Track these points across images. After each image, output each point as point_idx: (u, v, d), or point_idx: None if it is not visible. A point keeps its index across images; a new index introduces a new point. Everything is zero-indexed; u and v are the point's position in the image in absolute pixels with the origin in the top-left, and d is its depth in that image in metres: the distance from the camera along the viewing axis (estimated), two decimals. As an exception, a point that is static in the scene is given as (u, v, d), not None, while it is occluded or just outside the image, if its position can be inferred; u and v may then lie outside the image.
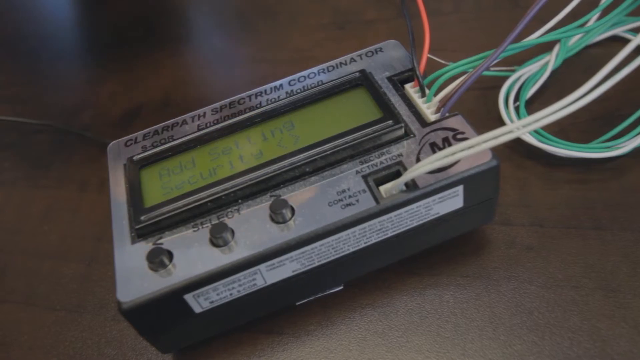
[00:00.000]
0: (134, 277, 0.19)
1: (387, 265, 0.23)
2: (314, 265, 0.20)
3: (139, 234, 0.21)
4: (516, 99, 0.28)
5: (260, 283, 0.20)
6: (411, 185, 0.20)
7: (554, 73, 0.29)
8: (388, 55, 0.25)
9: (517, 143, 0.27)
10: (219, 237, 0.19)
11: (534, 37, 0.25)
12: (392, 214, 0.20)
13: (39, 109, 0.37)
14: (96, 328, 0.24)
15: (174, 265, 0.19)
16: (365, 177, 0.20)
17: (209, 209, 0.21)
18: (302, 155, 0.21)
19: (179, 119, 0.25)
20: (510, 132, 0.16)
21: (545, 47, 0.29)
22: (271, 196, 0.21)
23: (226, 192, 0.21)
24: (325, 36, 0.37)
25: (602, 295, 0.21)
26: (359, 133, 0.21)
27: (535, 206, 0.24)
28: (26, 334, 0.25)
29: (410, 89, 0.23)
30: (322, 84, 0.24)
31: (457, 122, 0.21)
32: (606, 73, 0.16)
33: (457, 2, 0.36)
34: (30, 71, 0.41)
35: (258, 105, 0.24)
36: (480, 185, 0.20)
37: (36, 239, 0.29)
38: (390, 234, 0.20)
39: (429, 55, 0.23)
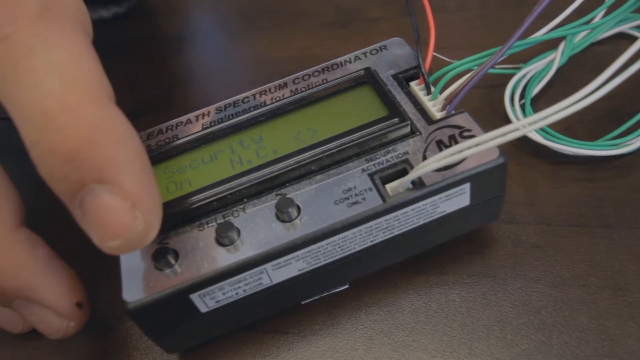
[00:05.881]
0: (140, 276, 0.19)
1: (393, 264, 0.22)
2: (320, 264, 0.20)
3: (144, 234, 0.21)
4: (522, 96, 0.28)
5: (266, 282, 0.20)
6: (418, 184, 0.19)
7: (559, 70, 0.29)
8: (393, 53, 0.25)
9: (523, 141, 0.27)
10: (225, 236, 0.19)
11: (539, 34, 0.24)
12: (399, 213, 0.20)
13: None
14: (100, 328, 0.24)
15: (179, 265, 0.19)
16: (371, 176, 0.20)
17: (214, 208, 0.21)
18: (307, 154, 0.21)
19: (183, 118, 0.25)
20: (516, 129, 0.16)
21: (550, 45, 0.29)
22: (277, 195, 0.21)
23: (231, 191, 0.21)
24: (329, 34, 0.37)
25: (610, 293, 0.21)
26: (365, 131, 0.21)
27: (542, 204, 0.24)
28: (30, 334, 0.24)
29: (416, 86, 0.23)
30: (327, 82, 0.24)
31: (463, 119, 0.21)
32: (613, 71, 0.16)
33: (461, -1, 0.36)
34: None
35: (262, 104, 0.24)
36: (487, 183, 0.20)
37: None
38: (396, 232, 0.20)
39: (434, 53, 0.23)
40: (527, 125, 0.16)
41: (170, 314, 0.20)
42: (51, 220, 0.30)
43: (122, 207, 0.16)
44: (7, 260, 0.20)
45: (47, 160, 0.16)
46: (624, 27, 0.30)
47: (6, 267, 0.20)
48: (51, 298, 0.21)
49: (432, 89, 0.22)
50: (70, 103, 0.16)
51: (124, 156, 0.16)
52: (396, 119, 0.21)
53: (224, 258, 0.19)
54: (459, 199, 0.20)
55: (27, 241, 0.21)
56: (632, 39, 0.30)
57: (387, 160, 0.21)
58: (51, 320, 0.21)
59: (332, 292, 0.23)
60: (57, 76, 0.16)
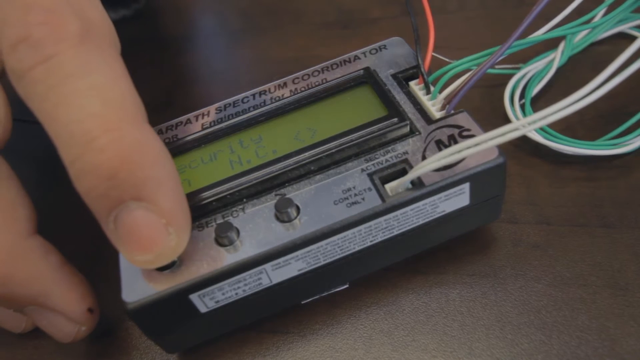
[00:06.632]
0: (139, 277, 0.19)
1: (393, 264, 0.22)
2: (319, 264, 0.20)
3: (144, 234, 0.21)
4: (522, 96, 0.28)
5: (265, 282, 0.20)
6: (417, 183, 0.19)
7: (559, 70, 0.29)
8: (392, 53, 0.25)
9: (523, 141, 0.27)
10: (225, 237, 0.19)
11: (539, 34, 0.24)
12: (398, 212, 0.20)
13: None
14: (100, 328, 0.24)
15: (179, 265, 0.19)
16: (370, 175, 0.20)
17: (213, 208, 0.21)
18: (307, 154, 0.21)
19: (183, 118, 0.25)
20: (516, 129, 0.16)
21: (550, 45, 0.29)
22: (276, 195, 0.21)
23: (231, 191, 0.21)
24: (329, 34, 0.37)
25: (611, 293, 0.21)
26: (364, 131, 0.21)
27: (542, 204, 0.24)
28: (30, 334, 0.24)
29: (415, 86, 0.23)
30: (326, 82, 0.24)
31: (462, 119, 0.21)
32: (613, 70, 0.16)
33: (461, -1, 0.36)
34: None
35: (262, 104, 0.24)
36: (486, 182, 0.20)
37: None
38: (396, 232, 0.20)
39: (433, 53, 0.23)
40: (526, 124, 0.16)
41: (169, 314, 0.20)
42: (50, 221, 0.30)
43: (157, 223, 0.17)
44: (21, 268, 0.20)
45: (86, 178, 0.17)
46: (624, 27, 0.30)
47: (21, 275, 0.20)
48: (64, 304, 0.21)
49: (432, 88, 0.22)
50: (110, 124, 0.17)
51: (160, 175, 0.17)
52: (395, 119, 0.21)
53: (224, 258, 0.19)
54: (459, 198, 0.20)
55: (41, 248, 0.21)
56: (632, 39, 0.30)
57: (387, 160, 0.21)
58: (63, 326, 0.22)
59: (332, 291, 0.23)
60: (99, 98, 0.17)
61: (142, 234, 0.17)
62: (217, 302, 0.20)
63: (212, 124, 0.24)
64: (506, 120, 0.27)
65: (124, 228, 0.17)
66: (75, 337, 0.22)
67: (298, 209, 0.20)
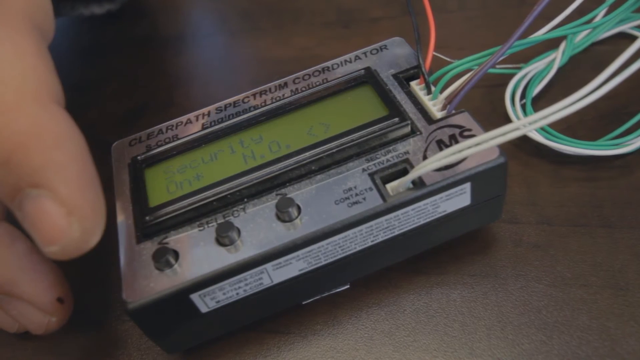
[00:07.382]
0: (140, 277, 0.19)
1: (394, 264, 0.22)
2: (320, 264, 0.20)
3: (144, 234, 0.21)
4: (522, 96, 0.28)
5: (266, 282, 0.20)
6: (418, 183, 0.19)
7: (560, 70, 0.29)
8: (393, 53, 0.25)
9: (524, 141, 0.27)
10: (225, 236, 0.19)
11: (540, 34, 0.24)
12: (399, 212, 0.20)
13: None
14: (101, 328, 0.24)
15: (179, 265, 0.19)
16: (371, 175, 0.20)
17: (214, 208, 0.21)
18: (307, 154, 0.21)
19: (183, 118, 0.25)
20: (516, 129, 0.16)
21: (551, 45, 0.29)
22: (277, 195, 0.21)
23: (232, 190, 0.21)
24: (330, 34, 0.37)
25: (611, 293, 0.21)
26: (365, 131, 0.21)
27: (543, 204, 0.24)
28: (30, 334, 0.24)
29: (416, 86, 0.23)
30: (327, 82, 0.24)
31: (463, 119, 0.21)
32: (614, 70, 0.16)
33: (462, -1, 0.36)
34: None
35: (263, 104, 0.24)
36: (487, 182, 0.20)
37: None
38: (397, 232, 0.20)
39: (434, 53, 0.23)
40: (527, 124, 0.16)
41: (170, 314, 0.20)
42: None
43: (57, 212, 0.16)
44: None
45: None
46: (625, 27, 0.30)
47: None
48: (31, 293, 0.20)
49: (433, 88, 0.22)
50: (6, 104, 0.16)
51: (61, 160, 0.16)
52: (396, 119, 0.21)
53: (224, 258, 0.19)
54: (460, 198, 0.20)
55: (7, 236, 0.20)
56: (632, 39, 0.30)
57: (388, 160, 0.20)
58: (32, 316, 0.21)
59: (333, 292, 0.23)
60: None
61: (43, 223, 0.16)
62: (217, 302, 0.20)
63: (213, 123, 0.24)
64: (507, 120, 0.27)
65: (27, 217, 0.16)
66: (47, 329, 0.21)
67: (299, 208, 0.20)
